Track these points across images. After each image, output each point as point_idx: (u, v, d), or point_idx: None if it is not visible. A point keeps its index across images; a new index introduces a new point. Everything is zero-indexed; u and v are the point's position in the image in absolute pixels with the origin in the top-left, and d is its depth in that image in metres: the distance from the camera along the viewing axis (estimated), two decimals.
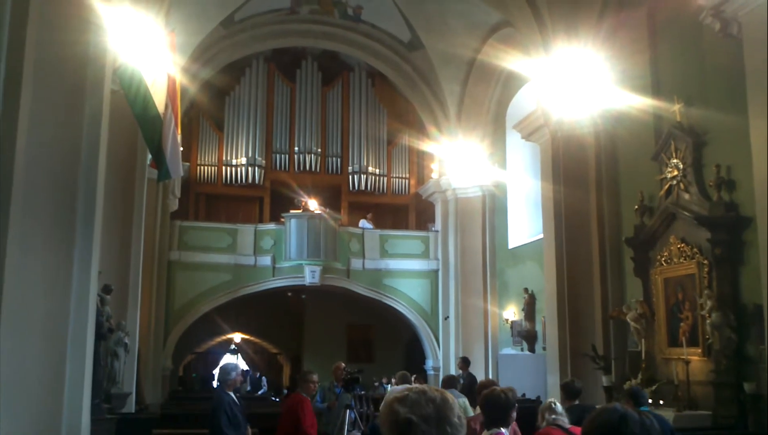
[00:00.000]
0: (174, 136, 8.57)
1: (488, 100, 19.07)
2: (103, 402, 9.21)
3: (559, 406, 5.39)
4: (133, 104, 8.39)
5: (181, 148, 18.72)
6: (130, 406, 11.66)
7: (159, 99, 8.76)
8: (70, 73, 6.28)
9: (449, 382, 9.56)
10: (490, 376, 17.41)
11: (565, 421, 5.23)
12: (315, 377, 8.14)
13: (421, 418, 1.96)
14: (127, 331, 11.09)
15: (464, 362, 15.05)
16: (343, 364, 10.62)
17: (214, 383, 12.30)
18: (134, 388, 12.09)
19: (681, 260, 10.79)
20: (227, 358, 27.02)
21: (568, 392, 6.86)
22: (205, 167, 20.87)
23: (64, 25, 6.48)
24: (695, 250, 10.48)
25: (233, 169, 20.83)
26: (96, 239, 5.97)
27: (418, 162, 22.19)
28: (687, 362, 10.23)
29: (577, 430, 5.01)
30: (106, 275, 10.57)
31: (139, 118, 8.50)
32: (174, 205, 17.80)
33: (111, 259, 11.24)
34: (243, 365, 27.15)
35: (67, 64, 6.32)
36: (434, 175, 20.50)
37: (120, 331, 10.80)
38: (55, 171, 5.81)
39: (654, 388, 10.61)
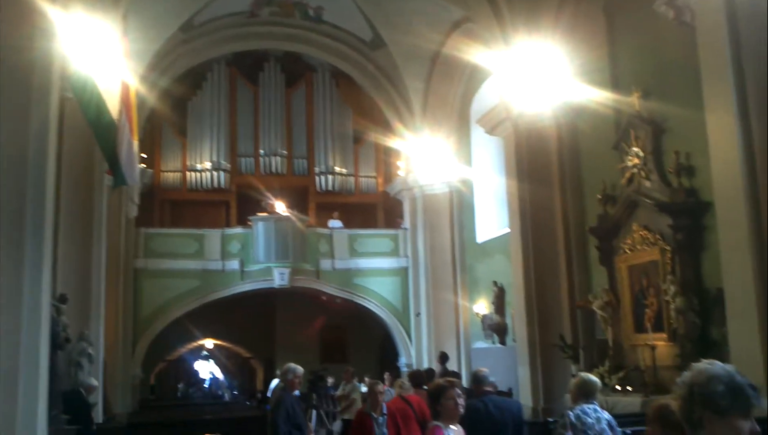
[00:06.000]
0: (129, 142, 8.46)
1: (452, 97, 19.09)
2: (66, 413, 9.04)
3: (406, 383, 7.67)
4: (87, 111, 8.28)
5: (144, 156, 18.61)
6: (97, 417, 11.49)
7: (113, 105, 8.66)
8: (15, 81, 6.15)
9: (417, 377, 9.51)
10: (463, 370, 17.44)
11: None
12: (380, 388, 7.22)
13: None
14: (90, 341, 10.91)
15: (442, 357, 15.18)
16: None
17: (273, 383, 12.50)
18: (101, 399, 11.92)
19: (644, 247, 10.88)
20: (200, 365, 26.86)
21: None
22: (169, 173, 20.65)
23: (10, 31, 6.36)
24: (658, 236, 10.56)
25: (198, 174, 20.63)
26: (47, 249, 5.86)
27: (385, 160, 22.16)
28: (653, 348, 10.30)
29: (413, 397, 7.20)
30: (67, 285, 10.43)
31: (92, 124, 8.39)
32: (133, 211, 17.53)
33: (72, 269, 11.08)
34: (216, 371, 27.01)
35: (13, 71, 6.20)
36: (401, 173, 20.48)
37: (83, 341, 10.63)
38: (2, 180, 5.69)
39: (621, 374, 10.70)
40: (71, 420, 8.65)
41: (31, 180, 5.78)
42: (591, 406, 5.43)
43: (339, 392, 14.07)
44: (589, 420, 5.32)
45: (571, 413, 5.38)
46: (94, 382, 10.16)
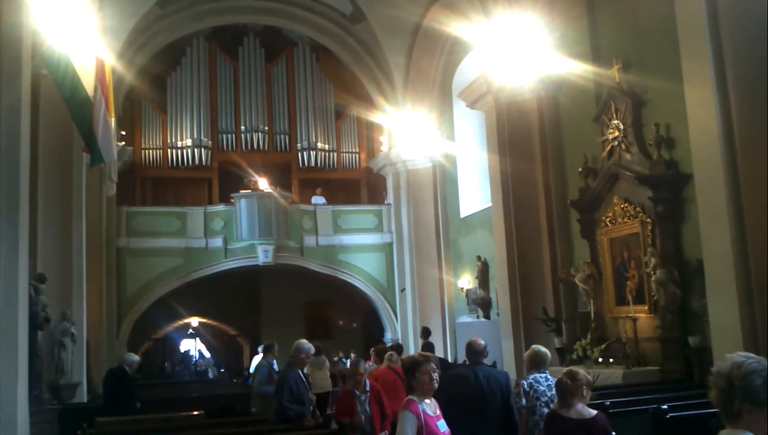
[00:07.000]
0: (105, 119, 8.35)
1: (434, 71, 18.98)
2: (50, 393, 9.00)
3: (395, 356, 8.29)
4: (61, 88, 8.18)
5: (123, 133, 18.41)
6: (81, 396, 11.47)
7: (88, 82, 8.55)
8: None
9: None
10: (448, 345, 17.56)
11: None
12: (361, 368, 7.02)
13: None
14: (72, 321, 10.86)
15: (424, 332, 15.25)
16: None
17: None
18: (85, 378, 11.89)
19: (625, 220, 10.92)
20: (186, 343, 26.84)
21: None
22: (150, 151, 20.44)
23: None
24: (638, 209, 10.61)
25: (179, 151, 20.44)
26: (23, 228, 5.78)
27: (368, 136, 22.04)
28: (634, 320, 10.40)
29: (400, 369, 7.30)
30: (47, 265, 10.35)
31: (68, 101, 8.29)
32: (111, 189, 17.35)
33: (52, 248, 11.00)
34: (203, 349, 27.01)
35: None
36: (384, 148, 20.41)
37: (65, 321, 10.58)
38: None
39: (603, 346, 10.78)
40: (116, 396, 8.86)
41: (4, 158, 5.70)
42: (543, 374, 5.95)
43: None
44: (541, 388, 5.84)
45: (525, 382, 5.94)
46: (136, 357, 10.28)
